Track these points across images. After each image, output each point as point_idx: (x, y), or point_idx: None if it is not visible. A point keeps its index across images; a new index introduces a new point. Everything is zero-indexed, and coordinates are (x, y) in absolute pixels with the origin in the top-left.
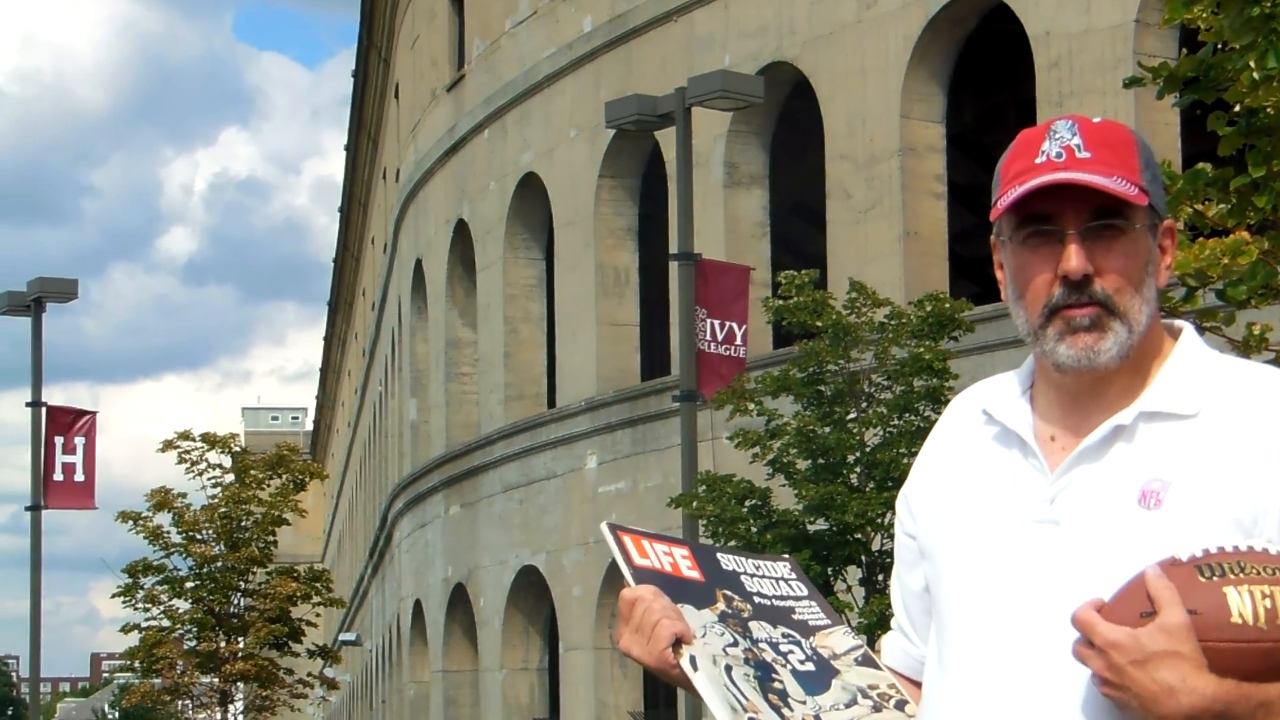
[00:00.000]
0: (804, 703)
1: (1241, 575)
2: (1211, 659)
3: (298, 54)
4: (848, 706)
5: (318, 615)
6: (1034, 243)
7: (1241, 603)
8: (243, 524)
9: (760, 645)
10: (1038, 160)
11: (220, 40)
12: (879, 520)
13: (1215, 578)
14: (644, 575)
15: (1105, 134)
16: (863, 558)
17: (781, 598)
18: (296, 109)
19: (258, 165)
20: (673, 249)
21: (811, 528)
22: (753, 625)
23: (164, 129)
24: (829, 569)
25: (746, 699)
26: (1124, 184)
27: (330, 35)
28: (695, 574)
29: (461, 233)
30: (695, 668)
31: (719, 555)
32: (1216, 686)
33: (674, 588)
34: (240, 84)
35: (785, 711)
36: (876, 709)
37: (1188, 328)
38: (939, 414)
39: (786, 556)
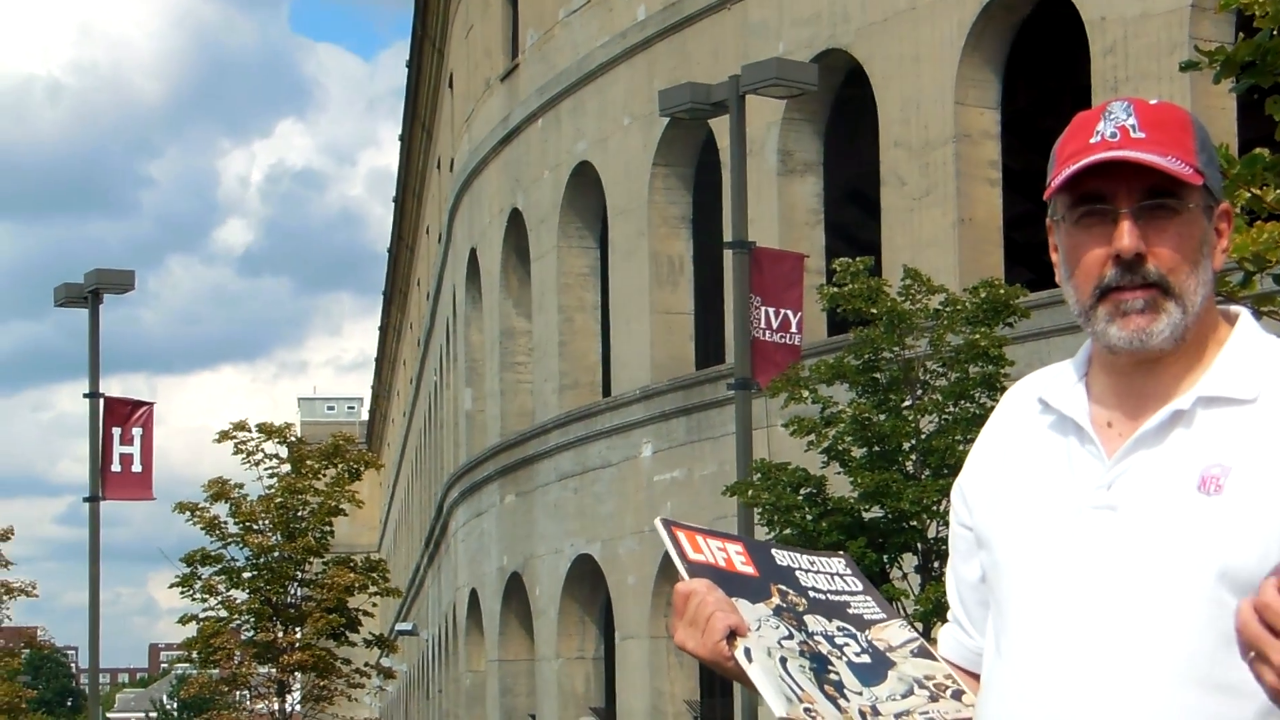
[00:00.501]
0: (860, 693)
1: None
2: None
3: (353, 45)
4: (904, 697)
5: (374, 605)
6: (1087, 222)
7: None
8: (299, 514)
9: (815, 638)
10: (1092, 140)
11: (276, 31)
12: (934, 507)
13: None
14: (698, 570)
15: (1161, 115)
16: (918, 545)
17: (836, 592)
18: (352, 100)
19: (313, 156)
20: (727, 237)
21: (866, 515)
22: (808, 619)
23: (221, 121)
24: (884, 556)
25: (802, 690)
26: (1178, 164)
27: (385, 26)
28: (749, 569)
29: (516, 222)
30: (750, 659)
31: (773, 551)
32: None
33: (728, 582)
34: (296, 75)
35: (841, 702)
36: (933, 699)
37: (1245, 312)
38: (994, 401)
39: (841, 553)
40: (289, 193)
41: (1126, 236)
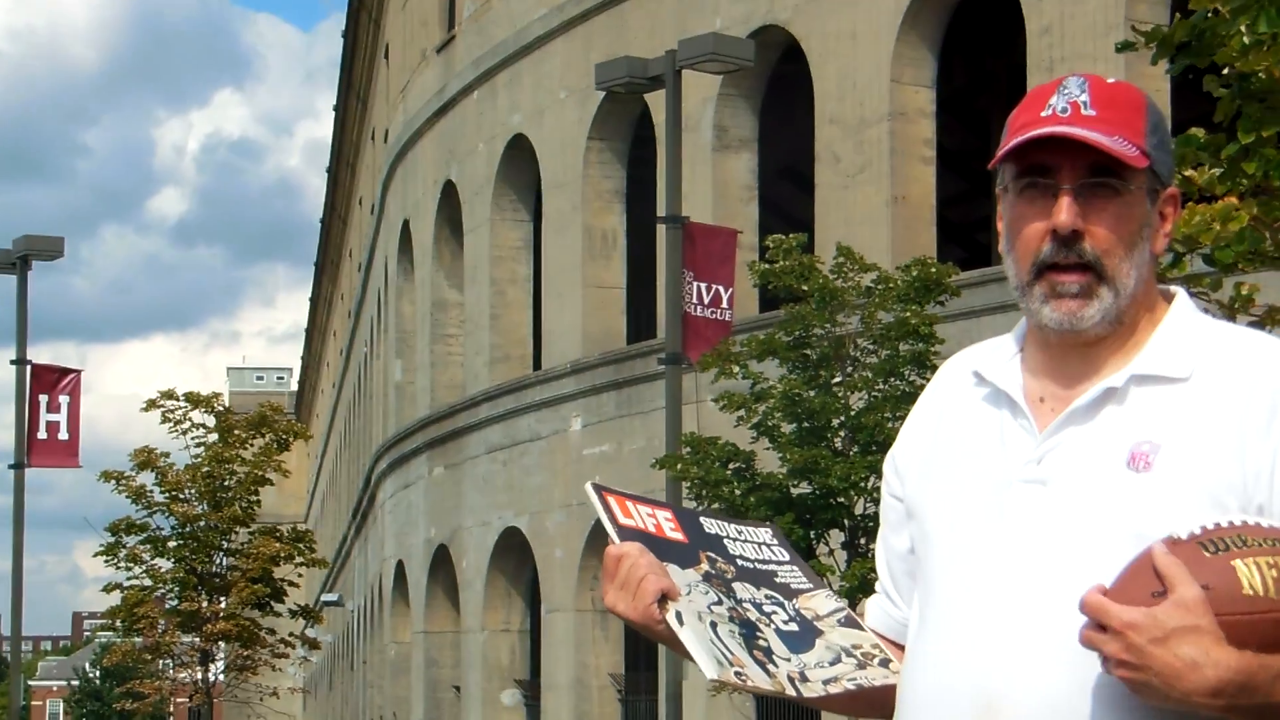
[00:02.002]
0: (788, 660)
1: (1245, 548)
2: (1228, 632)
3: (291, 16)
4: (832, 664)
5: (300, 575)
6: (1030, 194)
7: (1250, 575)
8: (226, 483)
9: (744, 605)
10: (1044, 113)
11: (215, 1)
12: (862, 484)
13: (1221, 552)
14: (629, 534)
15: (1115, 94)
16: (845, 521)
17: (764, 561)
18: (290, 70)
19: (250, 126)
20: (661, 212)
21: (795, 491)
22: (736, 586)
23: (158, 89)
24: (811, 532)
25: (732, 654)
26: (1124, 144)
27: None
28: (679, 536)
29: (449, 194)
30: (681, 622)
31: (702, 519)
32: (1239, 658)
33: (658, 548)
34: (235, 45)
35: (770, 668)
36: (861, 666)
37: (1181, 293)
38: (924, 379)
39: (769, 522)
40: (225, 162)
41: (1065, 212)
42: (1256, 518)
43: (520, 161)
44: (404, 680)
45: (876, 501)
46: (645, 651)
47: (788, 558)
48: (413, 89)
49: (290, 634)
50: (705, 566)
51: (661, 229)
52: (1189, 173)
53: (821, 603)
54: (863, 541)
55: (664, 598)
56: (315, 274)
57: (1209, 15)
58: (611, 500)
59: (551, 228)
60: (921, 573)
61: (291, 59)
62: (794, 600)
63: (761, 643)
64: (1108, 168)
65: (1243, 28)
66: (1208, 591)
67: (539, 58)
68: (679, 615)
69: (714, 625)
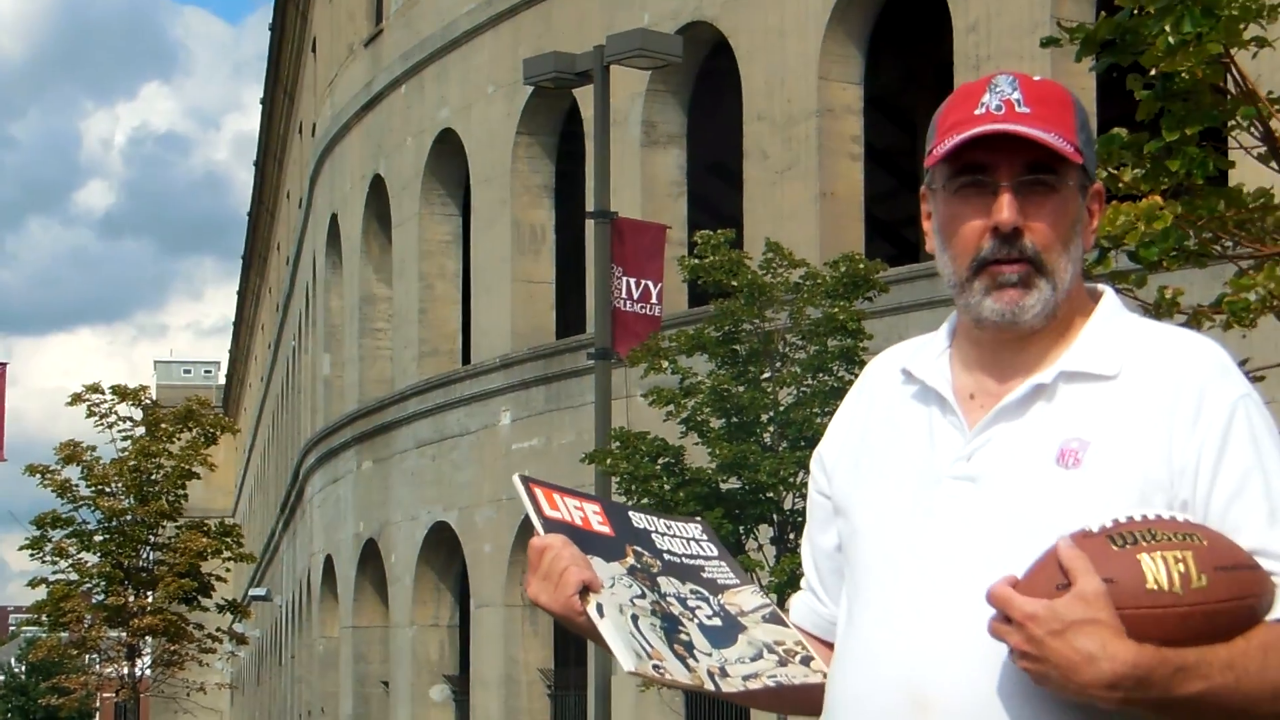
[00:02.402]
0: (709, 654)
1: (1153, 542)
2: (1130, 626)
3: (219, 8)
4: (753, 660)
5: (228, 570)
6: (966, 193)
7: (1156, 569)
8: (152, 477)
9: (668, 599)
10: (977, 111)
11: None
12: (791, 480)
13: (1128, 545)
14: (554, 526)
15: (1045, 91)
16: (774, 517)
17: (691, 556)
18: (218, 63)
19: (178, 120)
20: (589, 207)
21: (724, 486)
22: (661, 580)
23: (84, 82)
24: (741, 527)
25: (652, 647)
26: (1061, 141)
27: None
28: (606, 529)
29: (377, 188)
30: (601, 615)
31: (630, 513)
32: (1137, 652)
33: (583, 540)
34: (162, 38)
35: (690, 662)
36: (782, 663)
37: (1109, 290)
38: (853, 374)
39: (698, 518)
40: (152, 155)
41: (1006, 210)
42: (1172, 512)
43: (448, 156)
44: (332, 675)
45: (805, 497)
46: (575, 647)
47: (716, 553)
48: (340, 83)
49: (218, 629)
50: (630, 560)
51: (590, 224)
52: (1113, 170)
53: (747, 598)
54: (791, 537)
55: (586, 590)
56: (243, 268)
57: (1133, 14)
58: (538, 492)
59: (480, 222)
60: (850, 570)
61: (219, 52)
62: (719, 595)
63: (683, 637)
64: (1044, 164)
65: (1167, 28)
66: (1111, 585)
67: (467, 52)
68: (600, 607)
69: (635, 618)
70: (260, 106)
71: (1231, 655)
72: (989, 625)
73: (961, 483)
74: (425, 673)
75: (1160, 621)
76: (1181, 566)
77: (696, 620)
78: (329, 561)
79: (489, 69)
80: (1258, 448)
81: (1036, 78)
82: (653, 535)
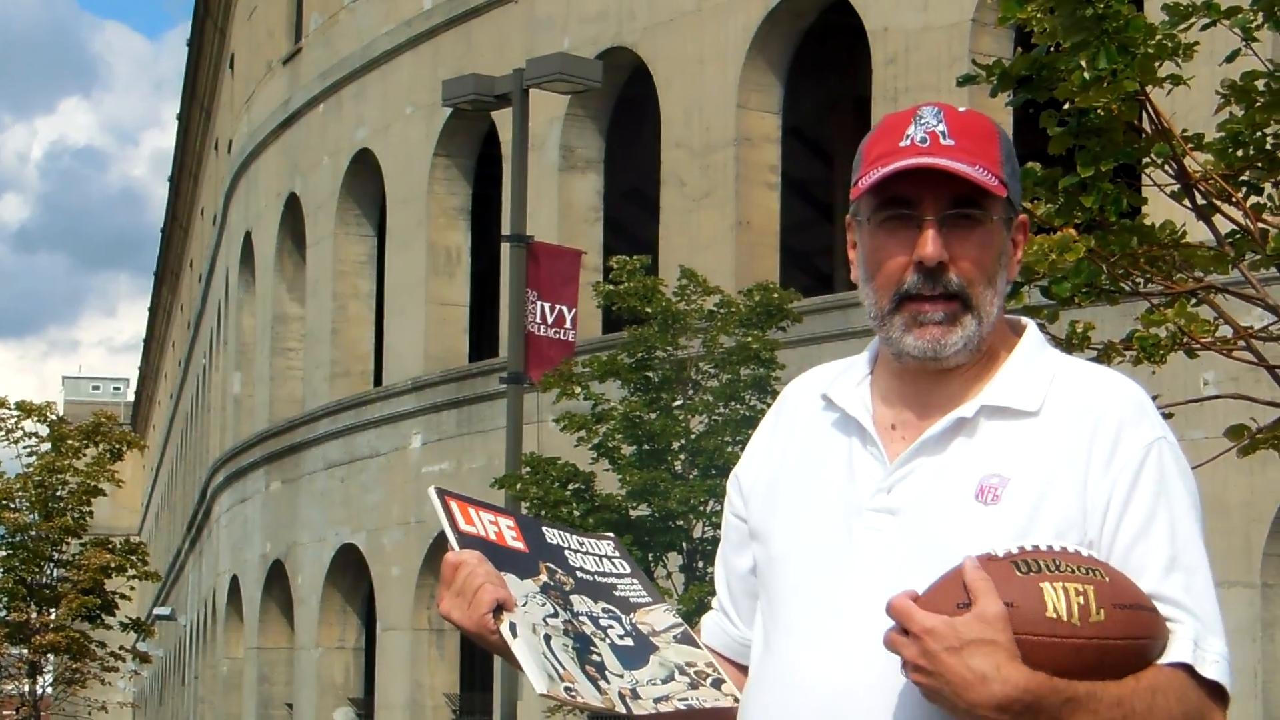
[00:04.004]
0: (621, 676)
1: (1057, 572)
2: (1025, 652)
3: (140, 24)
4: (664, 681)
5: (132, 588)
6: (891, 226)
7: (1056, 599)
8: (57, 493)
9: (580, 618)
10: (902, 144)
11: (63, 7)
12: (701, 508)
13: (1032, 573)
14: (469, 541)
15: (969, 123)
16: (684, 544)
17: (604, 574)
18: (138, 79)
19: (96, 135)
20: (505, 230)
21: (634, 513)
22: (574, 598)
23: (2, 95)
24: (650, 554)
25: (564, 668)
26: (986, 174)
27: (173, 5)
28: (520, 545)
29: (293, 207)
30: (514, 634)
31: (544, 529)
32: (1029, 677)
33: (498, 556)
34: (82, 52)
35: (601, 683)
36: (693, 685)
37: (1031, 325)
38: (765, 403)
39: (610, 535)
40: (69, 170)
41: (930, 245)
42: (1076, 545)
43: (365, 176)
44: (236, 697)
45: (715, 525)
46: (481, 671)
47: (628, 570)
48: (258, 100)
49: (121, 647)
50: (544, 577)
51: (506, 247)
52: (1027, 205)
53: (659, 618)
54: (701, 565)
55: (499, 608)
56: (155, 284)
57: (1050, 51)
58: (454, 505)
59: (395, 243)
60: (766, 596)
61: (139, 68)
62: (632, 614)
63: (595, 657)
64: (969, 198)
65: (1083, 63)
66: (1011, 609)
67: (385, 72)
68: (513, 627)
69: (548, 638)
70: (177, 122)
71: (1121, 693)
72: (885, 636)
73: (881, 515)
74: (330, 695)
75: (1055, 650)
76: (1082, 599)
77: (608, 640)
78: (235, 581)
79: (408, 90)
80: (1166, 492)
81: (962, 109)
82: (566, 552)
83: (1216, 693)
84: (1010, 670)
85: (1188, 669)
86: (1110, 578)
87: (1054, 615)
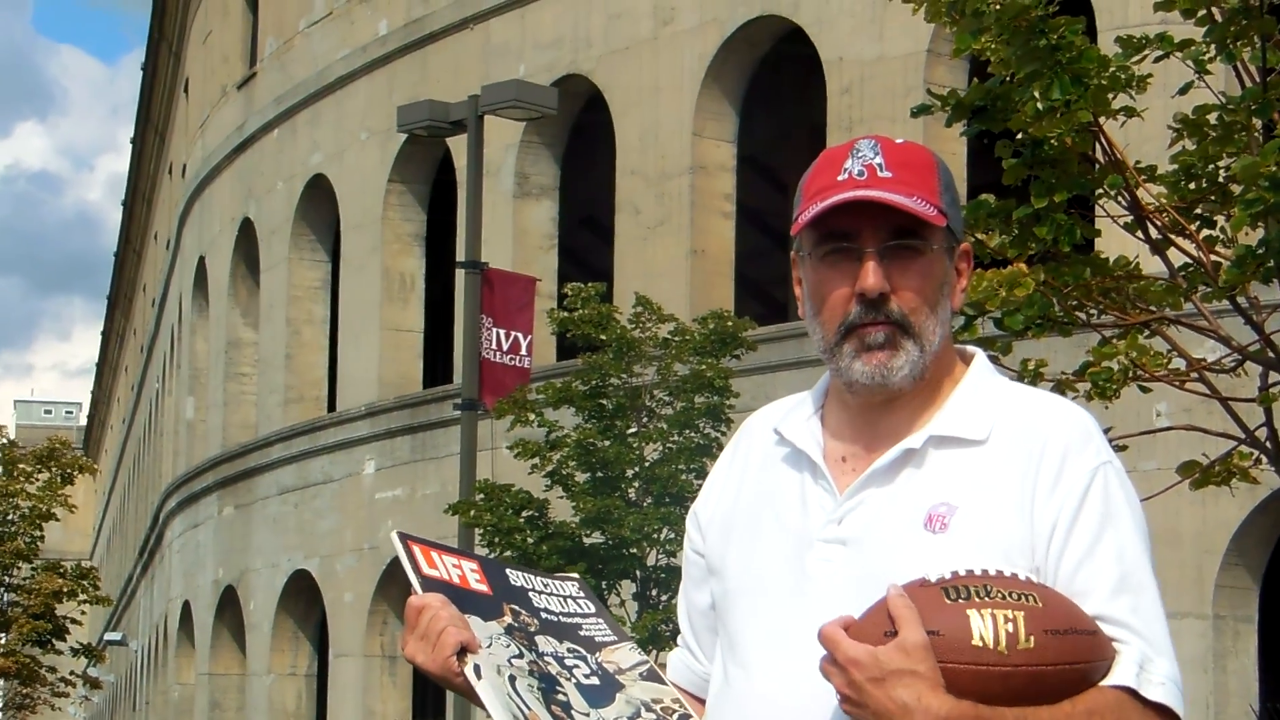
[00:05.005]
0: (587, 715)
1: (986, 599)
2: (951, 680)
3: (96, 48)
4: (631, 719)
5: (83, 613)
6: (833, 259)
7: (984, 626)
8: (9, 517)
9: (545, 659)
10: (840, 178)
11: (19, 31)
12: (655, 535)
13: (960, 600)
14: (432, 585)
15: (907, 155)
16: (637, 572)
17: (569, 614)
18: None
19: (51, 159)
20: (460, 256)
21: (588, 540)
22: (539, 639)
23: None
24: (604, 582)
25: (529, 709)
26: (923, 204)
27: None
28: (483, 587)
29: (247, 232)
30: (479, 676)
31: (508, 571)
32: (952, 706)
33: (461, 599)
34: (38, 77)
35: None
36: None
37: (979, 354)
38: (719, 431)
39: (575, 576)
40: (24, 194)
41: (871, 276)
42: (1015, 570)
43: (319, 201)
44: None
45: (669, 553)
46: (433, 698)
47: (593, 610)
48: (212, 124)
49: (71, 672)
50: (508, 619)
51: (460, 274)
52: (981, 236)
53: (625, 656)
54: (654, 593)
55: (464, 650)
56: (108, 308)
57: (1004, 81)
58: (416, 549)
59: (349, 269)
60: (724, 629)
61: (95, 92)
62: (597, 654)
63: (561, 697)
64: (909, 229)
65: (1036, 94)
66: (937, 638)
67: (340, 98)
68: (477, 669)
69: (513, 679)
70: (131, 146)
71: (1055, 717)
72: (820, 664)
73: (832, 545)
74: None
75: (981, 678)
76: (1010, 626)
77: (574, 679)
78: (186, 607)
79: (362, 115)
80: (1112, 515)
81: (899, 140)
82: (530, 594)
83: (1165, 715)
84: (931, 700)
85: (1132, 692)
86: (1044, 603)
87: (980, 644)
